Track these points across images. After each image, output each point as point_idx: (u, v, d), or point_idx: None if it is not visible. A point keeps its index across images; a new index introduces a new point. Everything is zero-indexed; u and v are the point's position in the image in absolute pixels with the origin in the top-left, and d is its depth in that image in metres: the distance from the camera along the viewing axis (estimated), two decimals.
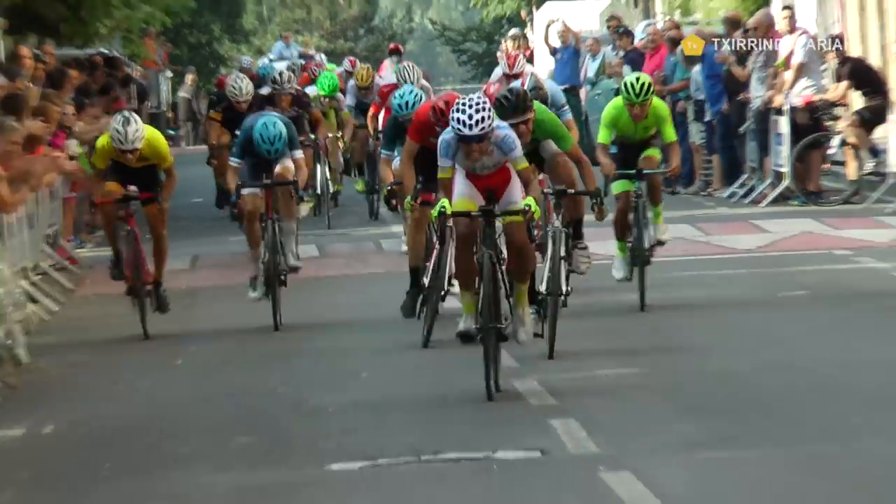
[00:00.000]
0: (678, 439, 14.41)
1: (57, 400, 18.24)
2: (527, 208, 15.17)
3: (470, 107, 14.70)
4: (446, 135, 15.25)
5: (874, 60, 38.10)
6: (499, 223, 15.60)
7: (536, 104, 18.20)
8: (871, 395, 16.07)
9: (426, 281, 20.23)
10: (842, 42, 38.47)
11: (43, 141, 25.24)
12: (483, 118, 14.62)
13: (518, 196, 15.36)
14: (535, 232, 17.15)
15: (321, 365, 18.97)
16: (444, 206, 15.13)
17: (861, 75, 35.74)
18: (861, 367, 17.50)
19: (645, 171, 19.53)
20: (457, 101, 15.20)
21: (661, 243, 19.99)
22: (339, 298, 23.58)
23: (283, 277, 20.12)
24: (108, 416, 17.37)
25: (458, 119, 14.67)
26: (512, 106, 16.08)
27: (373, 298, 22.73)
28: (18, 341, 20.50)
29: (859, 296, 22.29)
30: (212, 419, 16.86)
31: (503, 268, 15.52)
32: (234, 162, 20.83)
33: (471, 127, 14.55)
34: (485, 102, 15.05)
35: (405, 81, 24.50)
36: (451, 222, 16.47)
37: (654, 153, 19.55)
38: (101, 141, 19.36)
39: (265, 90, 28.40)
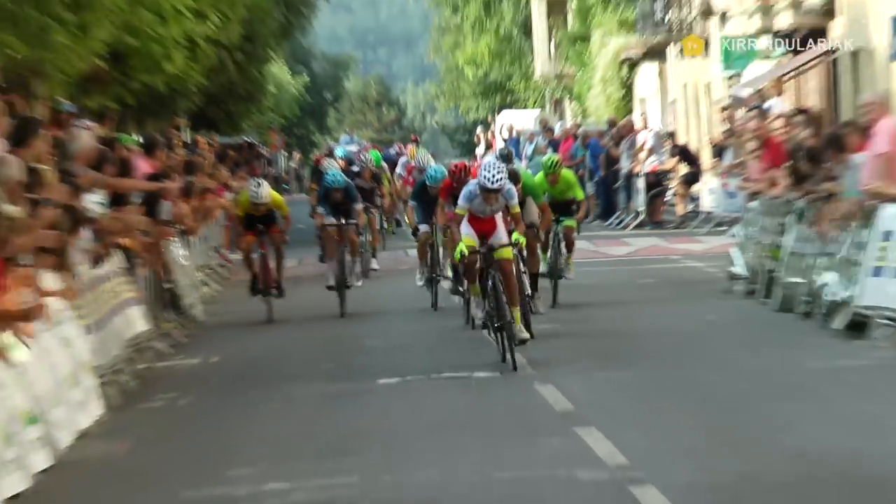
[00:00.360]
0: (581, 366, 14.38)
1: (219, 342, 18.27)
2: (517, 241, 14.87)
3: (496, 170, 14.45)
4: (470, 186, 14.91)
5: (693, 146, 37.96)
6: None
7: (524, 174, 17.88)
8: (693, 339, 16.17)
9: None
10: (674, 135, 38.41)
11: (211, 192, 25.29)
12: (501, 178, 14.38)
13: (503, 237, 14.90)
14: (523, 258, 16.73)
15: (370, 325, 18.91)
16: (462, 251, 14.71)
17: (685, 155, 35.74)
18: (686, 323, 17.51)
19: (564, 223, 19.09)
20: (487, 166, 14.76)
21: (567, 278, 19.33)
22: (379, 286, 23.22)
23: (347, 285, 19.60)
24: (248, 352, 17.39)
25: (487, 178, 14.35)
26: (510, 180, 15.71)
27: (401, 285, 22.43)
28: (198, 308, 20.47)
29: (684, 282, 22.27)
30: (308, 354, 16.94)
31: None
32: (319, 210, 20.67)
33: (493, 183, 14.28)
34: (503, 170, 14.74)
35: (422, 163, 24.26)
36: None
37: (571, 224, 19.28)
38: (241, 196, 19.20)
39: (356, 167, 27.66)
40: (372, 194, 24.55)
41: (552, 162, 19.32)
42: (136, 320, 16.42)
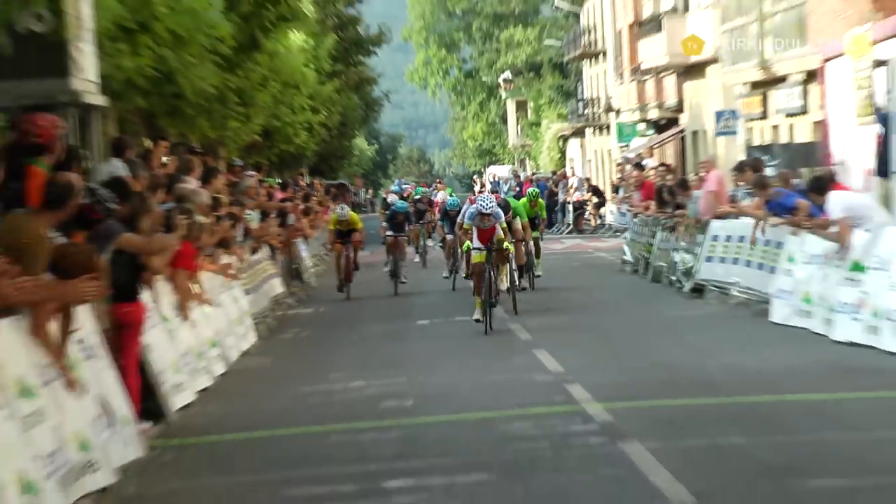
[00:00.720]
0: (538, 315, 14.06)
1: (323, 300, 17.95)
2: (506, 248, 13.40)
3: (489, 201, 13.12)
4: (471, 209, 13.52)
5: (601, 186, 37.58)
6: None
7: (512, 202, 16.30)
8: (602, 298, 15.75)
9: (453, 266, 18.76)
10: (590, 180, 38.13)
11: (320, 212, 25.05)
12: (492, 205, 13.02)
13: (500, 234, 13.17)
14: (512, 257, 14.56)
15: (414, 297, 18.17)
16: (468, 247, 13.30)
17: (596, 191, 35.48)
18: (598, 289, 17.06)
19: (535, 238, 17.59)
20: (482, 198, 13.43)
21: (537, 276, 17.48)
22: (420, 274, 22.64)
23: (402, 278, 18.23)
24: (340, 307, 17.04)
25: (482, 205, 12.98)
26: (504, 210, 14.05)
27: (434, 276, 21.93)
28: (311, 279, 20.25)
29: (596, 265, 22.00)
30: (376, 310, 16.57)
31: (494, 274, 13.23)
32: (384, 224, 20.00)
33: (486, 209, 12.88)
34: (493, 200, 13.39)
35: (444, 199, 23.79)
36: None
37: (536, 234, 17.76)
38: (333, 216, 18.60)
39: (418, 196, 25.80)
40: (425, 213, 24.21)
41: (535, 194, 18.85)
42: (276, 286, 16.37)
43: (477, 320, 12.76)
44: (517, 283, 15.10)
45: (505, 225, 13.65)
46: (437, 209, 24.71)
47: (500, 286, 13.56)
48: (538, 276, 17.70)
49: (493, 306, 12.86)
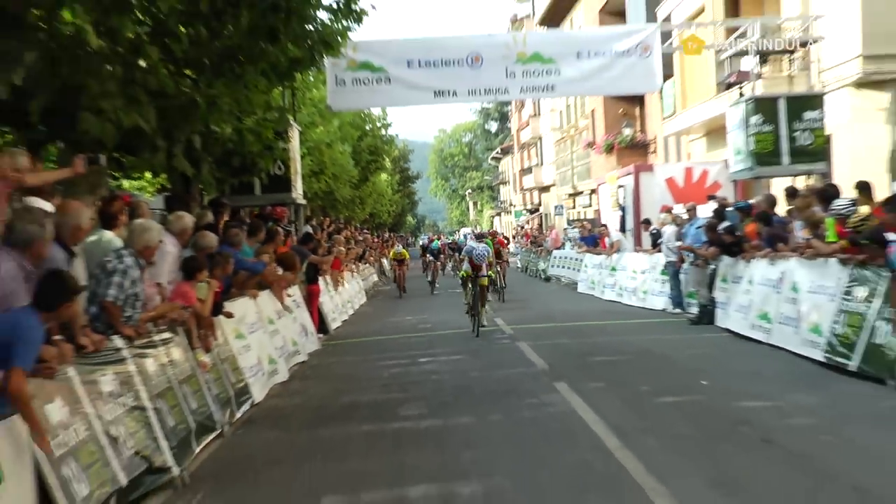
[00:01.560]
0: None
1: (396, 286, 16.97)
2: (488, 277, 8.63)
3: (481, 248, 8.54)
4: (467, 247, 8.80)
5: (509, 236, 35.64)
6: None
7: (489, 243, 11.14)
8: (515, 287, 13.66)
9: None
10: (503, 233, 35.93)
11: (390, 248, 24.04)
12: (484, 249, 8.53)
13: (484, 272, 8.61)
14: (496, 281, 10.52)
15: (439, 292, 15.55)
16: (463, 274, 8.61)
17: (507, 238, 33.23)
18: (514, 283, 14.06)
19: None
20: (471, 244, 9.00)
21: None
22: (446, 282, 19.83)
23: (436, 285, 14.66)
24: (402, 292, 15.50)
25: (475, 247, 8.54)
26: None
27: (451, 282, 20.04)
28: (390, 275, 18.25)
29: (512, 270, 20.62)
30: (418, 293, 15.47)
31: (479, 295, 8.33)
32: (425, 254, 16.53)
33: (477, 249, 8.45)
34: (486, 248, 8.87)
35: (456, 240, 19.67)
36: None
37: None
38: (393, 250, 15.54)
39: (445, 240, 21.00)
40: (455, 249, 19.78)
41: (493, 238, 15.45)
42: (373, 278, 15.88)
43: (468, 312, 7.87)
44: (490, 299, 9.70)
45: (491, 259, 8.94)
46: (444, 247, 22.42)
47: (482, 319, 8.68)
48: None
49: (477, 315, 8.76)
